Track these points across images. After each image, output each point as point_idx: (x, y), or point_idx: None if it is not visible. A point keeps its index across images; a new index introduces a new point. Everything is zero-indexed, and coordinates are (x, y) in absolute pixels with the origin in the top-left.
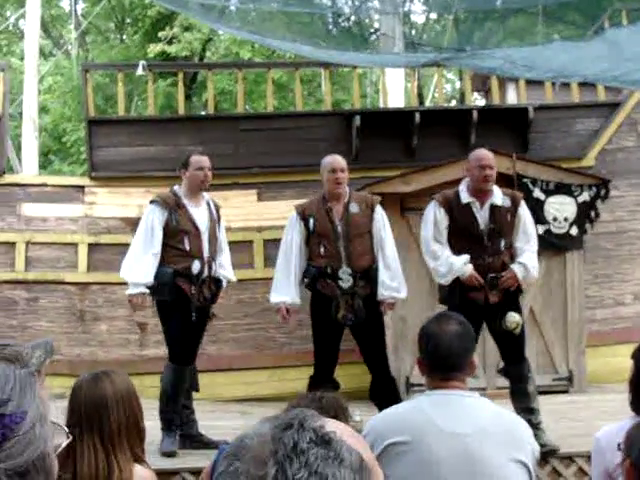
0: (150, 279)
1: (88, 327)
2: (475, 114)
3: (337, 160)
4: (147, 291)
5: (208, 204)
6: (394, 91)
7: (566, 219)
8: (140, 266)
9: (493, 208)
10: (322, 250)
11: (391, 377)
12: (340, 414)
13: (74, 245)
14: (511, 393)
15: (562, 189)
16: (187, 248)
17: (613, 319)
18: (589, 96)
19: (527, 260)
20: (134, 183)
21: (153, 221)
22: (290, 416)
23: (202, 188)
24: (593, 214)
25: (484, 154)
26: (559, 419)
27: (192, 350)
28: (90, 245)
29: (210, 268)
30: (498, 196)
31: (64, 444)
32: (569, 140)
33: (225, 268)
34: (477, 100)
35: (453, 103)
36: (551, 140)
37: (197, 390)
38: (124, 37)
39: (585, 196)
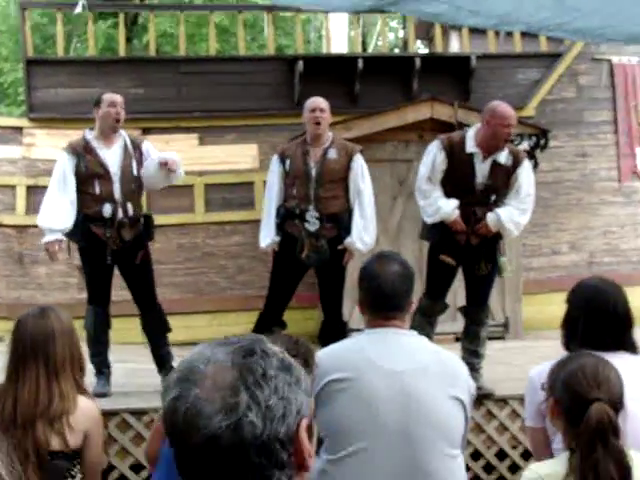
0: (67, 225)
1: (27, 270)
2: (418, 62)
3: (317, 100)
4: (62, 238)
5: (125, 143)
6: (337, 38)
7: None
8: (55, 213)
9: (494, 165)
10: (294, 191)
11: (343, 321)
12: (310, 359)
13: (12, 187)
14: (464, 333)
15: None
16: (97, 192)
17: (549, 267)
18: (531, 47)
19: (503, 212)
20: (73, 125)
21: (65, 169)
22: (246, 342)
23: (115, 126)
24: (532, 163)
25: (510, 113)
26: (494, 364)
27: (105, 293)
28: (28, 187)
29: (125, 210)
30: (503, 153)
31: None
32: (510, 90)
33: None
34: (420, 49)
35: (396, 52)
36: (492, 89)
37: (169, 330)
38: None
39: (525, 145)
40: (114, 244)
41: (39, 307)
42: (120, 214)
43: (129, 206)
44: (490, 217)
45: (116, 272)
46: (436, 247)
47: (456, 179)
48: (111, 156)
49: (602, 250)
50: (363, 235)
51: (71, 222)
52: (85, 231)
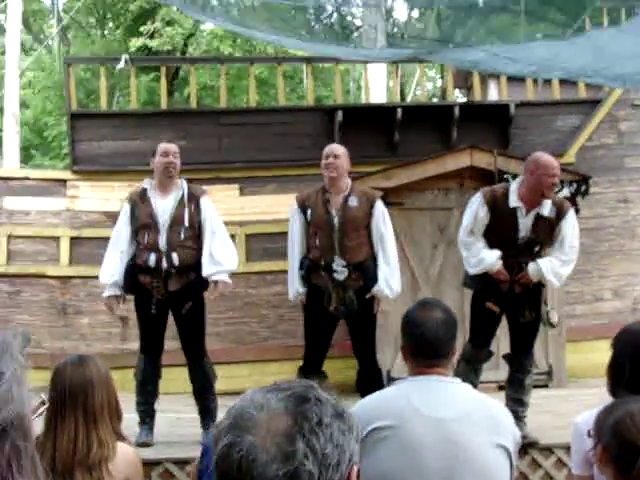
0: (116, 278)
1: (70, 321)
2: (457, 110)
3: (331, 147)
4: (116, 292)
5: (182, 194)
6: (376, 88)
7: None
8: (108, 267)
9: (538, 218)
10: (317, 242)
11: (378, 368)
12: None
13: (56, 239)
14: (508, 381)
15: None
16: (145, 241)
17: (592, 315)
18: (570, 93)
19: (544, 263)
20: (116, 177)
21: (121, 219)
22: (298, 388)
23: (168, 175)
24: (574, 210)
25: (554, 163)
26: (539, 412)
27: (154, 343)
28: (72, 239)
29: (170, 260)
30: (547, 205)
31: (42, 410)
32: (550, 137)
33: (215, 261)
34: (458, 98)
35: (435, 101)
36: (532, 136)
37: (215, 379)
38: (105, 32)
39: (565, 192)
40: (159, 294)
41: (77, 356)
42: (164, 264)
43: (174, 256)
44: (531, 267)
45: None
46: (480, 295)
47: (498, 233)
48: (163, 206)
49: None
50: (390, 281)
51: (120, 276)
52: (134, 281)
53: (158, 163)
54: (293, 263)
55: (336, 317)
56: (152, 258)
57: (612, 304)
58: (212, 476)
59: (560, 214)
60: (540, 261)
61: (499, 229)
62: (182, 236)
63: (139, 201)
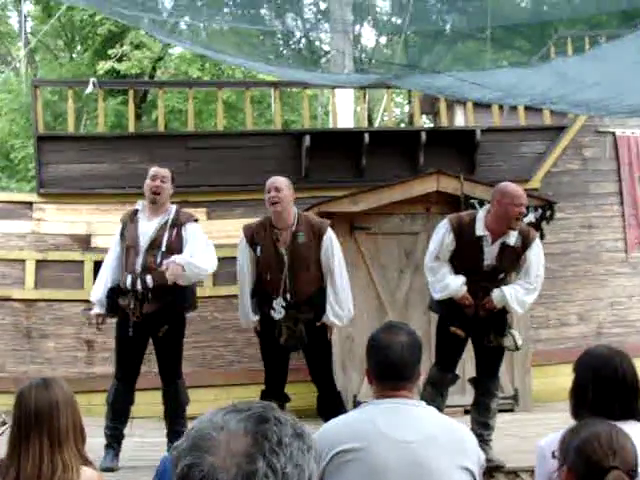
0: (98, 296)
1: (35, 344)
2: (424, 136)
3: (273, 180)
4: (101, 310)
5: (167, 219)
6: (344, 113)
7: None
8: (97, 285)
9: (504, 247)
10: (268, 277)
11: (337, 392)
12: None
13: (21, 262)
14: (473, 404)
15: None
16: (126, 263)
17: (558, 339)
18: (535, 120)
19: (508, 290)
20: (83, 200)
21: (114, 239)
22: (257, 409)
23: (153, 197)
24: (538, 235)
25: (520, 192)
26: (504, 436)
27: (129, 367)
28: (38, 262)
29: (144, 282)
30: (512, 235)
31: (3, 429)
32: (515, 162)
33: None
34: (425, 123)
35: (402, 126)
36: (498, 162)
37: (187, 403)
38: (73, 55)
39: (531, 217)
40: (134, 316)
41: (41, 378)
42: (139, 286)
43: (148, 279)
44: (496, 294)
45: None
46: (445, 319)
47: (464, 260)
48: (146, 228)
49: (610, 321)
50: (337, 310)
51: (102, 294)
52: (113, 302)
53: (146, 186)
54: (243, 292)
55: (287, 349)
56: (129, 280)
57: (577, 328)
58: None
59: (526, 243)
60: (505, 288)
61: (464, 256)
62: (158, 260)
63: (129, 222)
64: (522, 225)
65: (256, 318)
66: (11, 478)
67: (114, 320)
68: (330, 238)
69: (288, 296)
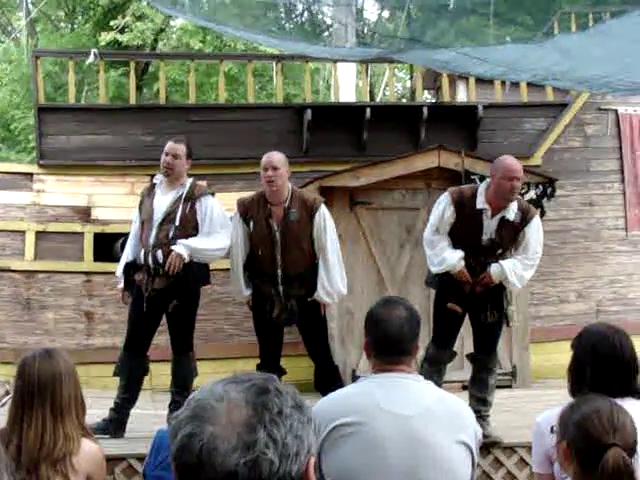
0: (119, 272)
1: (34, 315)
2: (425, 111)
3: (270, 158)
4: (122, 286)
5: (182, 193)
6: (345, 87)
7: (525, 200)
8: (122, 261)
9: (503, 222)
10: (260, 252)
11: (334, 365)
12: None
13: (21, 233)
14: (471, 380)
15: None
16: (141, 238)
17: (557, 316)
18: (537, 96)
19: (507, 265)
20: (83, 172)
21: (134, 213)
22: (258, 380)
23: (166, 173)
24: (539, 212)
25: (514, 166)
26: (502, 412)
27: (140, 340)
28: (38, 233)
29: (155, 257)
30: (512, 209)
31: (5, 400)
32: (517, 139)
33: (180, 244)
34: (427, 99)
35: (404, 102)
36: (499, 138)
37: (195, 375)
38: (75, 26)
39: (531, 194)
40: (147, 291)
41: (44, 349)
42: (150, 260)
43: (159, 253)
44: (494, 268)
45: None
46: (442, 295)
47: (463, 233)
48: (162, 203)
49: (609, 299)
50: (327, 287)
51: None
52: (127, 277)
53: (161, 161)
54: (237, 265)
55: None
56: (142, 255)
57: (576, 306)
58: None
59: (525, 219)
60: (503, 262)
61: (464, 230)
62: (171, 234)
63: (146, 196)
64: (523, 202)
65: (248, 292)
66: (13, 448)
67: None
68: (323, 215)
69: (279, 272)
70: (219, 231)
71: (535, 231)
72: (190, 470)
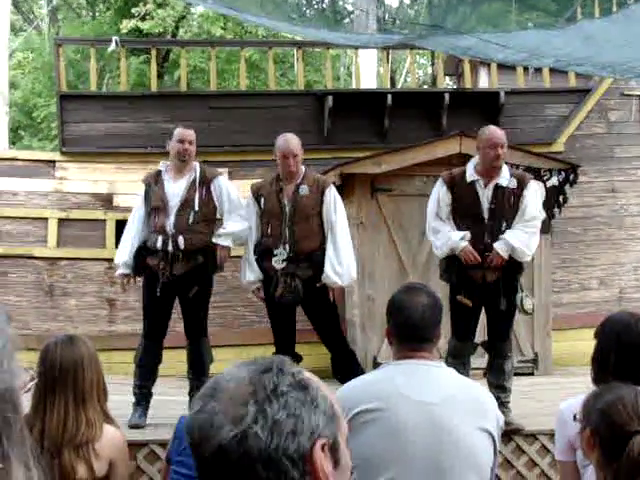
0: (125, 258)
1: (57, 302)
2: (447, 97)
3: (290, 146)
4: (125, 271)
5: (194, 177)
6: (367, 74)
7: (517, 166)
8: (121, 248)
9: (497, 188)
10: (269, 230)
11: (350, 351)
12: None
13: (44, 220)
14: (488, 368)
15: (531, 173)
16: (154, 224)
17: (579, 303)
18: (560, 82)
19: (509, 235)
20: (105, 159)
21: (137, 201)
22: (268, 361)
23: (182, 160)
24: (561, 199)
25: (495, 134)
26: (524, 399)
27: (157, 326)
28: (60, 220)
29: (176, 243)
30: (505, 176)
31: (30, 385)
32: (539, 125)
33: (220, 235)
34: (449, 85)
35: (425, 88)
36: (521, 124)
37: (211, 361)
38: (96, 13)
39: (554, 181)
40: (164, 277)
41: (66, 335)
42: (170, 247)
43: (180, 239)
44: (497, 244)
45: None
46: (455, 288)
47: (463, 209)
48: (175, 189)
49: (632, 286)
50: (336, 267)
51: (128, 256)
52: (141, 262)
53: (173, 148)
54: (250, 249)
55: (280, 304)
56: (159, 241)
57: (599, 293)
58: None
59: (522, 186)
60: (504, 235)
61: (462, 205)
62: (191, 220)
63: (153, 183)
64: (515, 170)
65: (254, 277)
66: (36, 431)
67: (138, 280)
68: (333, 193)
69: (287, 248)
70: (240, 209)
71: (533, 196)
72: (195, 446)
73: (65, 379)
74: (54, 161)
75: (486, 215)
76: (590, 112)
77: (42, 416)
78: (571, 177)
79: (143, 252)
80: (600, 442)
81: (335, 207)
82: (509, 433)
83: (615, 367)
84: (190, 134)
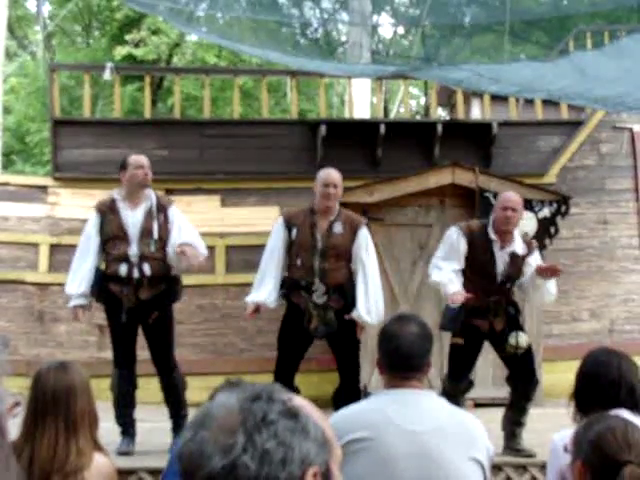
0: (83, 289)
1: (47, 328)
2: (439, 128)
3: (332, 176)
4: (83, 302)
5: (150, 205)
6: (360, 103)
7: (526, 234)
8: (75, 277)
9: (513, 256)
10: (299, 262)
11: (358, 388)
12: None
13: (35, 245)
14: (510, 404)
15: (523, 204)
16: (115, 252)
17: (570, 334)
18: (552, 114)
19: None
20: (97, 185)
21: (90, 229)
22: (257, 388)
23: (142, 188)
24: (553, 230)
25: (511, 197)
26: None
27: (126, 353)
28: (51, 246)
29: (141, 270)
30: (519, 245)
31: (17, 411)
32: (531, 156)
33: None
34: (442, 115)
35: (418, 118)
36: (514, 156)
37: (184, 389)
38: (90, 40)
39: (545, 212)
40: (129, 302)
41: (59, 361)
42: (136, 274)
43: (146, 267)
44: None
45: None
46: (457, 334)
47: (477, 265)
48: (133, 217)
49: (623, 318)
50: (370, 307)
51: (87, 286)
52: (104, 289)
53: (132, 176)
54: (267, 274)
55: (312, 336)
56: (123, 268)
57: (589, 324)
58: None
59: (529, 250)
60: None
61: (478, 261)
62: (152, 248)
63: (108, 212)
64: (524, 235)
65: (272, 301)
66: (25, 460)
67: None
68: (366, 234)
69: (317, 280)
70: (198, 236)
71: (537, 258)
72: (185, 474)
73: (57, 405)
74: (46, 186)
75: (499, 278)
76: (582, 144)
77: (32, 442)
78: (562, 209)
79: (105, 279)
80: (592, 473)
81: (367, 247)
82: (499, 464)
83: (593, 404)
84: (147, 160)
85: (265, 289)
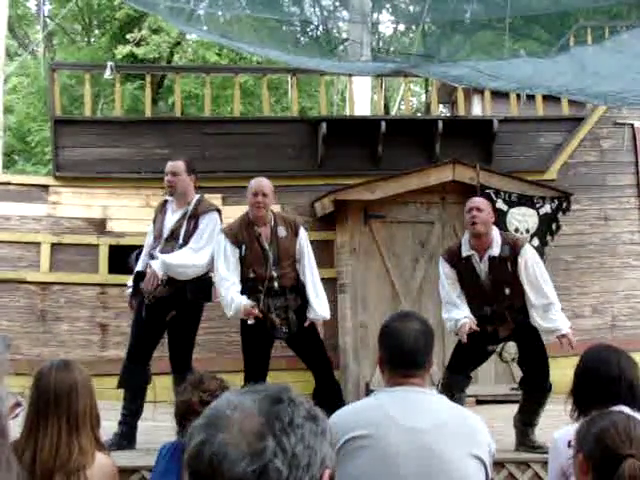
0: (130, 282)
1: (49, 327)
2: (440, 125)
3: (260, 184)
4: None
5: (187, 210)
6: (361, 101)
7: (528, 230)
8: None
9: (491, 260)
10: (251, 274)
11: (335, 381)
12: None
13: (37, 244)
14: (522, 407)
15: (524, 201)
16: (151, 250)
17: (572, 331)
18: (553, 110)
19: (561, 324)
20: (98, 184)
21: (150, 226)
22: (273, 390)
23: (170, 192)
24: (554, 226)
25: (473, 198)
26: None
27: (141, 348)
28: (53, 245)
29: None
30: (496, 246)
31: (18, 411)
32: (532, 153)
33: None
34: (442, 112)
35: (419, 115)
36: (515, 152)
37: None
38: (91, 39)
39: (547, 208)
40: (147, 299)
41: (61, 360)
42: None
43: None
44: (562, 329)
45: None
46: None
47: (466, 284)
48: (170, 220)
49: (624, 314)
50: (321, 303)
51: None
52: (135, 287)
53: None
54: (228, 286)
55: (272, 338)
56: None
57: (591, 321)
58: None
59: (515, 251)
60: (538, 323)
61: (466, 281)
62: (174, 251)
63: (159, 212)
64: (508, 235)
65: (247, 301)
66: (27, 459)
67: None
68: (305, 232)
69: (275, 284)
70: (204, 247)
71: (530, 259)
72: (201, 477)
73: (59, 404)
74: (47, 186)
75: (487, 288)
76: (583, 140)
77: (34, 441)
78: (564, 205)
79: (140, 276)
80: (593, 466)
81: (307, 245)
82: (501, 461)
83: (592, 401)
84: (174, 165)
85: (239, 298)
